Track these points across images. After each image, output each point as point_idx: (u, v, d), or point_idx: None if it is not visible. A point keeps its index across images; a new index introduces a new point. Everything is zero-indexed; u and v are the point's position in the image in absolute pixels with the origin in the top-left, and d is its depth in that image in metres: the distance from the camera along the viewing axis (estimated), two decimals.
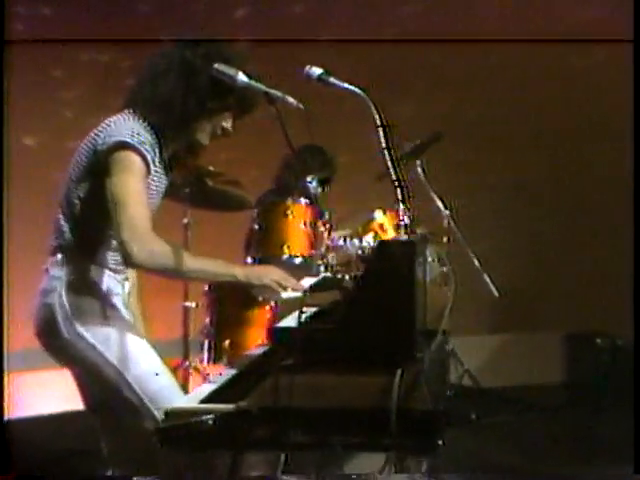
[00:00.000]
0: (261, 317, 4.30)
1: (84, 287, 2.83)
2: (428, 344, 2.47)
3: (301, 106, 2.75)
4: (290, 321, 2.63)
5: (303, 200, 4.11)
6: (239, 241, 4.57)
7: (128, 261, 2.67)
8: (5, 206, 4.00)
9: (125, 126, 2.77)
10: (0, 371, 3.49)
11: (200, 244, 4.46)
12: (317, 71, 2.71)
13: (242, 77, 2.81)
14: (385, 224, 4.18)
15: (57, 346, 2.85)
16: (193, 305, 4.57)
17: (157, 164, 2.86)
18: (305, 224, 4.06)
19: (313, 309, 2.73)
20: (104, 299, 2.87)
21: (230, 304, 4.31)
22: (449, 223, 4.33)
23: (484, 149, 5.49)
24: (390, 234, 4.18)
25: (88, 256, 2.86)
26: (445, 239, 4.32)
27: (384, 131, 2.52)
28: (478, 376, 4.78)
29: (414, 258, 2.38)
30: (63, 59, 5.66)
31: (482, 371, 4.96)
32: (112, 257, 2.88)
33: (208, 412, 2.36)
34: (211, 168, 3.93)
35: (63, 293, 2.80)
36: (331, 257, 4.10)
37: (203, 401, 2.48)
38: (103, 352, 2.80)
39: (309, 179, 3.43)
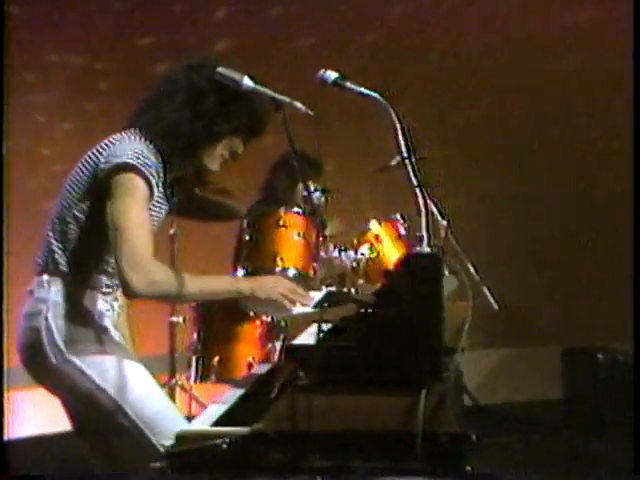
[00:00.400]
0: (251, 333, 4.22)
1: (73, 310, 2.75)
2: (448, 363, 2.41)
3: (310, 112, 2.71)
4: (305, 339, 2.56)
5: (296, 210, 4.03)
6: (227, 252, 4.49)
7: (125, 290, 2.62)
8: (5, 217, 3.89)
9: (129, 147, 2.72)
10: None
11: (187, 255, 4.36)
12: (332, 75, 2.66)
13: (247, 81, 2.76)
14: (381, 235, 4.13)
15: (44, 372, 2.76)
16: (180, 320, 4.48)
17: (160, 189, 2.79)
18: (299, 235, 3.97)
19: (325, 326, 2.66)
20: (94, 321, 2.79)
21: (218, 319, 4.22)
22: (446, 234, 4.27)
23: (482, 156, 5.45)
24: (387, 245, 4.14)
25: (79, 278, 2.78)
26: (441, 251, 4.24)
27: (404, 137, 2.45)
28: (475, 393, 4.72)
29: (441, 272, 2.34)
30: (33, 62, 5.52)
31: (479, 388, 4.93)
32: (104, 280, 2.82)
33: (221, 435, 2.30)
34: None
35: (49, 316, 2.73)
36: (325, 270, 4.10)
37: (215, 424, 2.41)
38: (94, 377, 2.72)
39: (312, 188, 3.36)
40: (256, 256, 3.97)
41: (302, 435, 2.27)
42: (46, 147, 5.34)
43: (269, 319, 4.19)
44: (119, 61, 5.70)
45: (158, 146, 2.79)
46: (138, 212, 2.66)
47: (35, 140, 5.13)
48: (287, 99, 2.72)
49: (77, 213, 2.76)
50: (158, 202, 2.81)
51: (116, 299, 2.90)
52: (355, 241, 4.14)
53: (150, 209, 2.76)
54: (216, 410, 2.54)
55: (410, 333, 2.32)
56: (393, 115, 2.49)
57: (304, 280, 3.87)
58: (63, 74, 5.74)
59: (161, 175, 2.77)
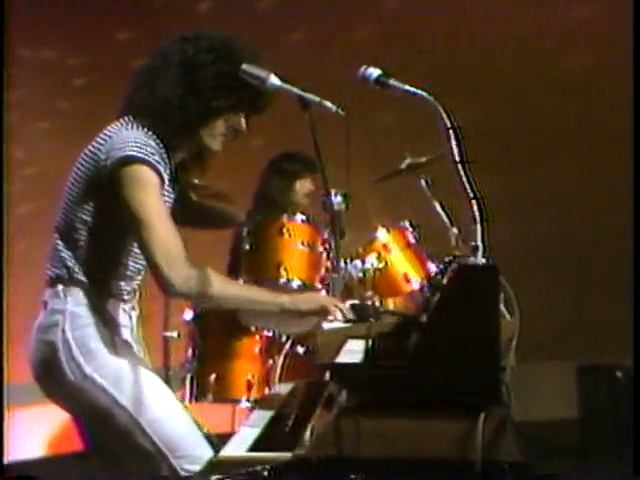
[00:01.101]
0: (250, 348, 4.12)
1: (91, 321, 2.65)
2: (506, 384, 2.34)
3: (341, 112, 2.63)
4: (346, 356, 2.46)
5: (299, 217, 3.94)
6: (220, 263, 4.38)
7: (165, 288, 2.54)
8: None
9: (128, 137, 2.62)
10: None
11: None
12: (375, 72, 2.58)
13: (274, 79, 2.68)
14: (389, 243, 4.08)
15: (60, 389, 2.66)
16: (174, 335, 4.34)
17: (167, 176, 2.70)
18: (303, 244, 3.88)
19: (361, 342, 2.58)
20: (114, 333, 2.70)
21: (215, 334, 4.11)
22: (457, 243, 4.21)
23: (485, 159, 5.40)
24: (395, 255, 4.07)
25: (97, 286, 2.69)
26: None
27: (457, 139, 2.38)
28: None
29: (499, 285, 2.26)
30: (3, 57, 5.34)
31: None
32: (123, 286, 2.73)
33: (261, 462, 2.19)
34: (195, 180, 3.73)
35: (67, 328, 2.63)
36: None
37: (250, 449, 2.31)
38: (114, 394, 2.62)
39: (333, 193, 3.27)
40: (258, 266, 3.87)
41: (348, 462, 2.18)
42: (18, 149, 5.17)
43: (270, 334, 4.09)
44: (95, 56, 5.54)
45: (156, 129, 2.68)
46: (157, 204, 2.57)
47: (6, 140, 4.94)
48: (317, 98, 2.63)
49: (85, 217, 2.66)
50: (167, 191, 2.71)
51: (134, 308, 2.81)
52: (361, 250, 4.07)
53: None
54: (248, 434, 2.43)
55: (466, 351, 2.23)
56: (444, 114, 2.39)
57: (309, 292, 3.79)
58: (35, 70, 5.55)
59: (166, 161, 2.68)
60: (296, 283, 3.79)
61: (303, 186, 4.88)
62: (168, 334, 4.42)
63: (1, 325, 2.75)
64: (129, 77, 2.79)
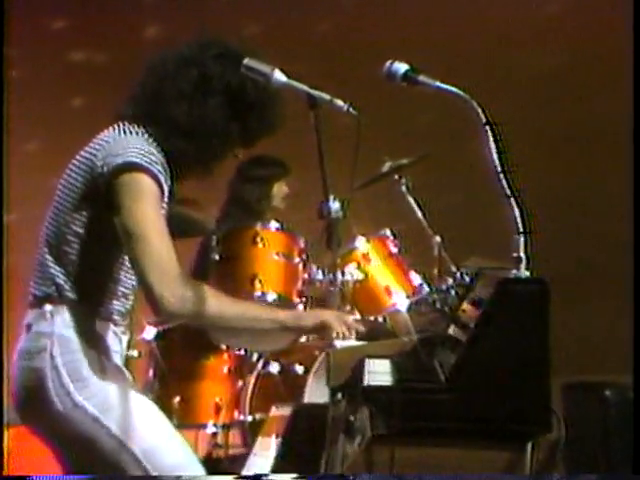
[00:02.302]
0: (218, 368, 3.99)
1: (81, 345, 2.51)
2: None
3: (353, 111, 2.53)
4: (372, 378, 2.37)
5: (274, 225, 3.82)
6: None
7: (158, 309, 2.41)
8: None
9: (129, 143, 2.51)
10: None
11: None
12: (402, 67, 2.50)
13: (279, 75, 2.58)
14: (370, 253, 3.97)
15: (46, 419, 2.50)
16: (134, 354, 4.16)
17: (167, 188, 2.57)
18: (278, 254, 3.76)
19: (384, 362, 2.50)
20: (105, 358, 2.56)
21: (179, 353, 3.98)
22: (440, 252, 4.14)
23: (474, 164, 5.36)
24: (376, 265, 3.97)
25: (88, 306, 2.55)
26: (435, 271, 4.12)
27: (496, 141, 2.30)
28: None
29: (549, 301, 2.19)
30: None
31: None
32: (117, 306, 2.60)
33: None
34: None
35: (56, 353, 2.48)
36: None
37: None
38: (106, 424, 2.49)
39: (331, 199, 3.15)
40: (229, 279, 3.74)
41: None
42: None
43: (241, 352, 3.96)
44: (27, 49, 5.37)
45: (160, 141, 2.56)
46: (155, 217, 2.45)
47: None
48: (327, 96, 2.53)
49: (77, 229, 2.52)
50: (165, 204, 2.59)
51: (124, 332, 2.67)
52: (339, 260, 3.96)
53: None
54: (261, 464, 2.32)
55: (512, 373, 2.17)
56: (481, 115, 2.32)
57: (285, 306, 3.68)
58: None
59: (167, 172, 2.56)
60: (271, 296, 3.68)
61: (279, 190, 4.77)
62: (127, 353, 4.23)
63: (2, 330, 2.57)
64: (135, 79, 2.67)
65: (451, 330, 2.48)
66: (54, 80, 5.72)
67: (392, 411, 2.16)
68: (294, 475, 2.41)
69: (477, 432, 2.16)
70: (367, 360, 2.54)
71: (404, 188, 4.23)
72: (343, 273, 3.89)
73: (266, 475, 2.89)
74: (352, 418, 2.43)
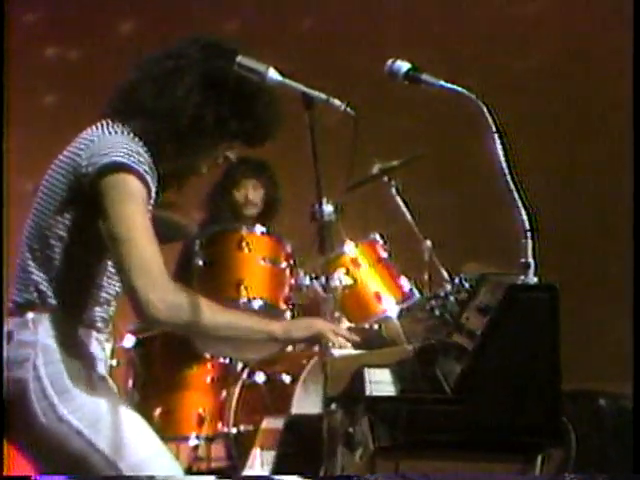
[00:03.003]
0: (201, 378, 3.96)
1: (65, 354, 2.47)
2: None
3: (350, 111, 2.51)
4: (375, 388, 2.34)
5: (259, 229, 3.79)
6: None
7: (145, 315, 2.37)
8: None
9: (115, 142, 2.47)
10: None
11: None
12: (404, 66, 2.49)
13: (274, 74, 2.55)
14: (359, 259, 3.95)
15: (27, 434, 2.46)
16: (113, 363, 4.11)
17: (154, 189, 2.54)
18: (264, 259, 3.73)
19: (385, 371, 2.48)
20: (90, 367, 2.52)
21: (160, 362, 3.95)
22: (431, 257, 4.13)
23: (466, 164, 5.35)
24: (365, 271, 3.94)
25: (71, 313, 2.51)
26: (426, 276, 4.11)
27: (502, 142, 2.28)
28: None
29: (558, 308, 2.17)
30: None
31: None
32: (99, 313, 2.57)
33: None
34: None
35: (39, 363, 2.43)
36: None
37: None
38: (91, 438, 2.44)
39: (324, 202, 3.12)
40: (213, 284, 3.71)
41: None
42: None
43: (225, 361, 3.92)
44: None
45: (148, 140, 2.52)
46: (142, 220, 2.42)
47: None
48: (323, 96, 2.50)
49: (60, 232, 2.48)
50: (151, 206, 2.55)
51: (108, 339, 2.64)
52: (327, 266, 3.92)
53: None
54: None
55: (522, 383, 2.15)
56: (487, 114, 2.29)
57: (272, 313, 3.65)
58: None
59: (154, 172, 2.52)
60: (257, 303, 3.65)
61: (239, 195, 4.68)
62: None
63: (1, 329, 2.51)
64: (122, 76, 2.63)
65: (455, 338, 2.45)
66: (26, 76, 5.66)
67: (397, 422, 2.12)
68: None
69: (485, 444, 2.14)
70: (367, 369, 2.51)
71: (394, 190, 4.21)
72: (331, 279, 3.87)
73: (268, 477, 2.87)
74: (351, 430, 2.40)
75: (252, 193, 4.63)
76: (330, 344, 2.57)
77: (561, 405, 2.14)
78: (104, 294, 2.54)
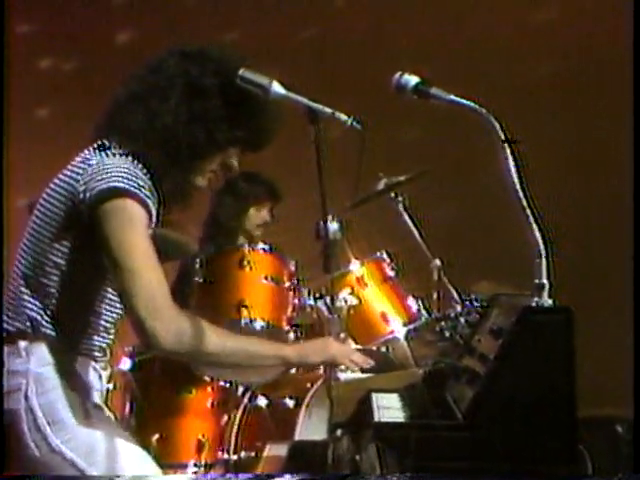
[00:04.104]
0: (201, 402, 3.97)
1: (58, 383, 2.49)
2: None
3: (358, 126, 2.54)
4: (383, 414, 2.35)
5: (261, 246, 3.79)
6: None
7: (152, 344, 2.40)
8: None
9: (113, 166, 2.48)
10: None
11: None
12: (413, 80, 2.51)
13: (277, 88, 2.58)
14: (365, 277, 3.96)
15: (18, 465, 2.49)
16: (110, 387, 4.12)
17: (154, 213, 2.57)
18: (267, 278, 3.73)
19: (393, 396, 2.48)
20: (85, 397, 2.55)
21: (158, 385, 3.94)
22: (440, 276, 4.13)
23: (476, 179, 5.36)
24: (371, 290, 3.95)
25: (67, 341, 2.53)
26: (435, 296, 4.11)
27: (514, 158, 2.30)
28: None
29: (573, 331, 2.18)
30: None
31: None
32: (97, 341, 2.60)
33: None
34: None
35: (31, 394, 2.46)
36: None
37: None
38: (85, 469, 2.47)
39: (329, 219, 3.14)
40: (213, 304, 3.70)
41: None
42: None
43: (226, 384, 3.92)
44: None
45: (145, 158, 2.54)
46: (145, 247, 2.44)
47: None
48: (328, 110, 2.53)
49: (57, 258, 2.50)
50: (152, 230, 2.57)
51: (105, 367, 2.67)
52: (331, 285, 3.93)
53: None
54: None
55: (536, 410, 2.17)
56: (498, 130, 2.31)
57: (275, 334, 3.65)
58: None
59: (154, 195, 2.54)
60: (259, 324, 3.64)
61: (256, 214, 4.74)
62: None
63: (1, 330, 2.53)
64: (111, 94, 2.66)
65: (466, 361, 2.46)
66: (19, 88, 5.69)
67: (406, 450, 2.13)
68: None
69: (498, 473, 2.14)
70: (374, 394, 2.51)
71: (401, 207, 4.22)
72: (336, 298, 3.88)
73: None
74: (358, 457, 2.41)
75: (269, 215, 4.73)
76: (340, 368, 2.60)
77: (577, 432, 2.14)
78: (103, 322, 2.57)
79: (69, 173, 2.52)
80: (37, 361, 2.47)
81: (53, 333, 2.50)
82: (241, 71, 2.56)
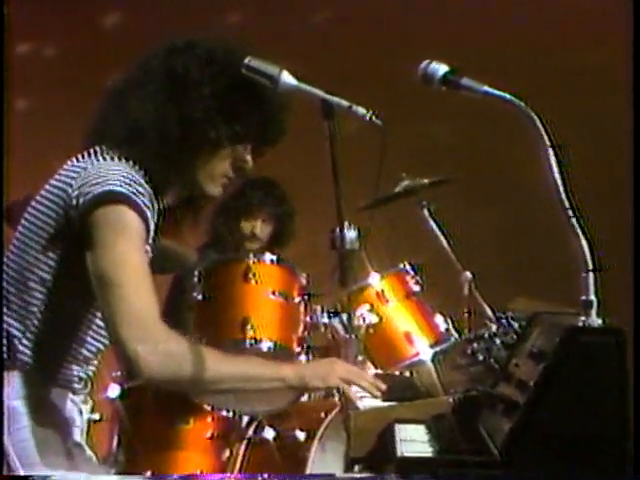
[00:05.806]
0: (199, 434, 3.90)
1: (34, 419, 2.52)
2: None
3: (377, 121, 2.53)
4: (406, 448, 2.32)
5: (268, 257, 3.76)
6: None
7: (134, 370, 2.41)
8: None
9: (111, 169, 2.52)
10: None
11: None
12: (441, 69, 2.48)
13: (288, 78, 2.59)
14: (386, 292, 3.95)
15: None
16: (96, 417, 4.10)
17: (153, 224, 2.59)
18: (275, 293, 3.69)
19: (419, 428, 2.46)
20: (65, 435, 2.58)
21: (150, 415, 3.89)
22: (470, 290, 4.12)
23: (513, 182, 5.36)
24: (393, 307, 3.93)
25: (46, 371, 2.56)
26: (466, 314, 4.09)
27: (556, 154, 2.26)
28: None
29: (625, 353, 2.15)
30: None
31: None
32: (76, 371, 2.62)
33: None
34: None
35: (4, 429, 2.48)
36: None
37: None
38: None
39: (346, 226, 3.13)
40: (214, 323, 3.68)
41: None
42: None
43: (228, 414, 3.89)
44: None
45: (144, 166, 2.57)
46: (137, 260, 2.46)
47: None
48: (345, 103, 2.54)
49: (42, 273, 2.52)
50: (149, 244, 2.57)
51: (86, 401, 2.71)
52: (347, 300, 3.91)
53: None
54: None
55: (584, 444, 2.13)
56: (539, 126, 2.27)
57: (283, 355, 3.62)
58: None
59: (155, 205, 2.56)
60: (266, 345, 3.59)
61: (250, 225, 4.74)
62: (89, 416, 4.19)
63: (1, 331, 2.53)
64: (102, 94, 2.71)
65: (502, 388, 2.44)
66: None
67: None
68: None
69: None
70: (397, 425, 2.51)
71: (426, 212, 4.20)
72: (353, 316, 3.85)
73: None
74: None
75: (259, 227, 4.77)
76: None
77: (633, 469, 2.12)
78: (85, 351, 2.58)
79: (61, 178, 2.54)
80: (12, 393, 2.49)
81: (30, 360, 2.51)
82: (247, 59, 2.58)
